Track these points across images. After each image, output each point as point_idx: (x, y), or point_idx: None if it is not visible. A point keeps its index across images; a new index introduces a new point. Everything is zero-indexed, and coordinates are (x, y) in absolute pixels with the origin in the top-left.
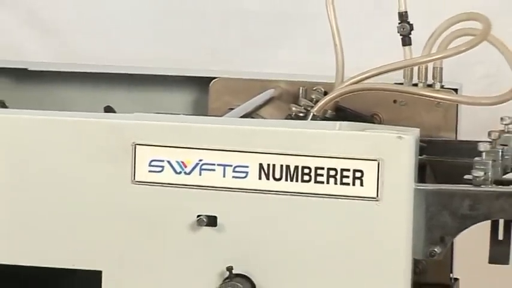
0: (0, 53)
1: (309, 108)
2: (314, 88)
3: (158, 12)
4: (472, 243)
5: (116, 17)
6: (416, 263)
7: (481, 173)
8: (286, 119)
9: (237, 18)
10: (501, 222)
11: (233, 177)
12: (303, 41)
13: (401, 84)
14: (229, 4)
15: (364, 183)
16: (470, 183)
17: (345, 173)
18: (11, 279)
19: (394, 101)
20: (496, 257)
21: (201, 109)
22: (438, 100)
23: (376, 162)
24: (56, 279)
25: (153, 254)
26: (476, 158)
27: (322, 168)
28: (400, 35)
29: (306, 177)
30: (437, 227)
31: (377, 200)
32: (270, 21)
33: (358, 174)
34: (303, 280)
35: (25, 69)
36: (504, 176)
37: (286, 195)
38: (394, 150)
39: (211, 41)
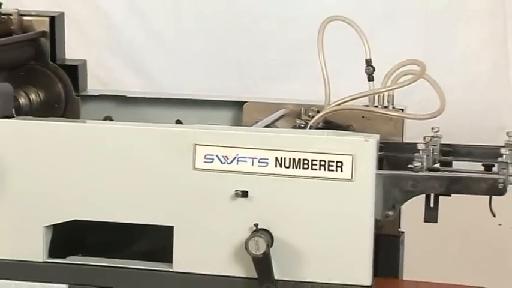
0: (107, 84)
1: (307, 122)
2: (311, 108)
3: (208, 60)
4: (413, 209)
5: (180, 62)
6: (376, 221)
7: (419, 164)
8: (292, 128)
9: (262, 63)
10: (432, 195)
11: (258, 165)
12: (304, 78)
13: (367, 105)
14: (256, 54)
15: (343, 170)
16: (412, 170)
17: (330, 163)
18: (109, 231)
19: (362, 117)
20: (429, 217)
21: (237, 122)
22: (391, 116)
23: (351, 156)
24: (141, 234)
25: (207, 215)
26: (416, 154)
27: (316, 160)
28: (366, 74)
29: (306, 166)
30: (390, 198)
31: (352, 181)
32: (283, 65)
33: (339, 164)
34: (304, 230)
35: (124, 96)
36: (434, 165)
37: (293, 177)
38: (363, 148)
39: (245, 78)
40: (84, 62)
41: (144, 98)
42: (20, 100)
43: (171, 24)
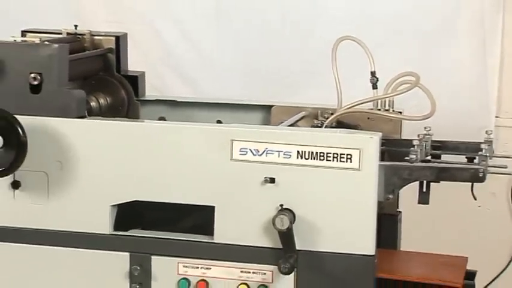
0: (161, 91)
1: (323, 122)
2: (326, 111)
3: (243, 71)
4: (408, 193)
5: (220, 73)
6: (379, 203)
7: (414, 156)
8: (311, 127)
9: (287, 74)
10: (424, 182)
11: (283, 157)
12: (321, 86)
13: (372, 109)
14: (282, 67)
15: (352, 161)
16: (408, 161)
17: (342, 156)
18: (159, 210)
19: (368, 118)
20: (422, 200)
21: (266, 122)
22: (391, 117)
23: (358, 150)
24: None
25: (241, 197)
26: (411, 148)
27: (330, 153)
28: (371, 83)
29: (322, 158)
30: (390, 184)
31: (359, 170)
32: (304, 75)
33: (349, 156)
34: (321, 210)
35: (175, 100)
36: (426, 158)
37: (312, 167)
38: (368, 144)
39: (273, 86)
40: (143, 73)
41: (191, 102)
42: (91, 104)
43: (213, 42)
